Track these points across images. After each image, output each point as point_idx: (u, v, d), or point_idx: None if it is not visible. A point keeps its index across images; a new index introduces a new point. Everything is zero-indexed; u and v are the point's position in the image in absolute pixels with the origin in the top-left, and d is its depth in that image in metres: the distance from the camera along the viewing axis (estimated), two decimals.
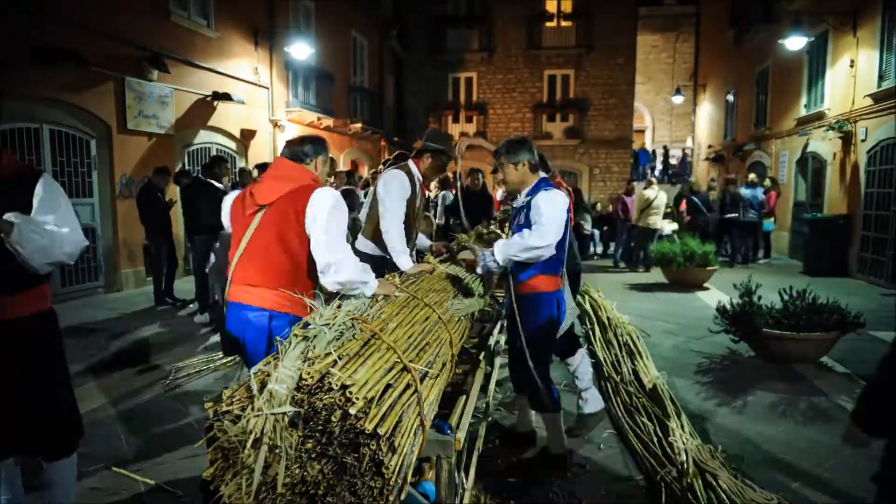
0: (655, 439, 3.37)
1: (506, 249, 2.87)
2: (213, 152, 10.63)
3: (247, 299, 2.36)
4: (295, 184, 2.37)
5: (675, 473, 2.95)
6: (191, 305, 7.15)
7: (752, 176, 12.25)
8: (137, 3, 8.56)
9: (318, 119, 13.82)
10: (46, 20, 7.11)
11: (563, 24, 19.26)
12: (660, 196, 10.87)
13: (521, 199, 3.08)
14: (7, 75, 6.70)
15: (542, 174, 3.15)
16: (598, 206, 14.47)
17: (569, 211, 3.01)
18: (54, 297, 7.60)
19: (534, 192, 2.98)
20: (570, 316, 3.24)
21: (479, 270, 2.97)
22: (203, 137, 10.34)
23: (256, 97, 11.75)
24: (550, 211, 2.82)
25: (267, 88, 12.09)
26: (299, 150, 2.51)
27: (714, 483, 2.91)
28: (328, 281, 2.29)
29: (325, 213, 2.29)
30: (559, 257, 3.02)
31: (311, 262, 2.34)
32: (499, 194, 8.82)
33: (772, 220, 12.22)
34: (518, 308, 3.00)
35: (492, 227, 4.81)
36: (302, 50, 11.78)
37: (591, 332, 5.62)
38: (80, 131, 7.96)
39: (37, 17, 7.00)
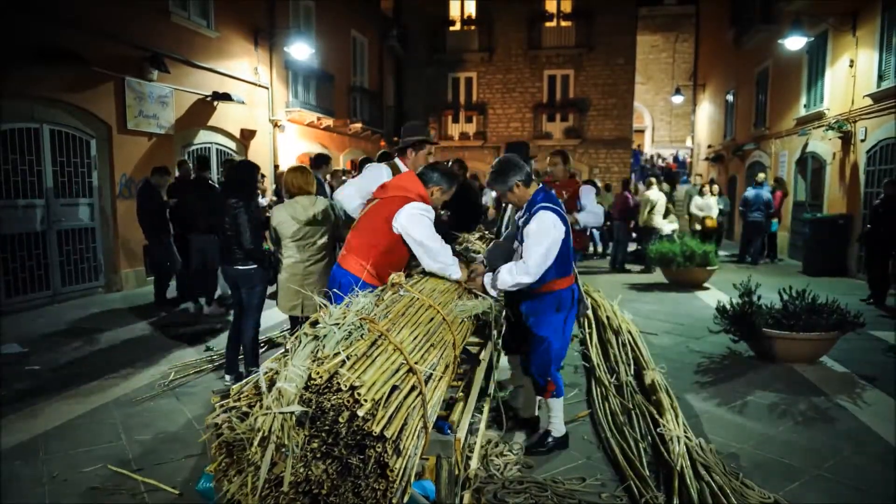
0: (645, 457, 3.30)
1: (498, 284, 3.09)
2: (214, 152, 10.63)
3: (342, 261, 3.14)
4: (401, 192, 3.04)
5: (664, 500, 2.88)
6: (191, 303, 7.12)
7: (761, 176, 12.26)
8: (137, 3, 8.55)
9: (319, 119, 13.82)
10: (46, 20, 7.11)
11: (563, 24, 19.27)
12: (661, 196, 11.09)
13: (521, 213, 3.31)
14: (7, 75, 6.70)
15: (538, 185, 3.28)
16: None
17: (565, 221, 3.14)
18: (54, 296, 7.66)
19: (529, 207, 3.18)
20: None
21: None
22: (203, 137, 10.33)
23: (256, 97, 11.75)
24: (535, 244, 3.03)
25: (267, 88, 12.08)
26: (430, 172, 3.19)
27: (706, 475, 2.91)
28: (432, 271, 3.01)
29: (413, 226, 2.94)
30: (568, 261, 3.25)
31: (388, 252, 3.01)
32: (486, 199, 8.70)
33: (777, 220, 12.25)
34: (538, 305, 3.27)
35: (476, 239, 4.63)
36: (302, 50, 11.78)
37: (588, 336, 5.61)
38: (80, 131, 7.96)
39: (37, 17, 7.00)
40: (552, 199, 3.20)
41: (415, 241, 2.97)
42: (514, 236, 3.47)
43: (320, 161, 7.45)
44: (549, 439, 3.47)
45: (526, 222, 3.16)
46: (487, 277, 3.14)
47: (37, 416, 3.94)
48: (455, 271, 3.03)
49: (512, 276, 3.05)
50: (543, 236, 3.03)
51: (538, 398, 3.64)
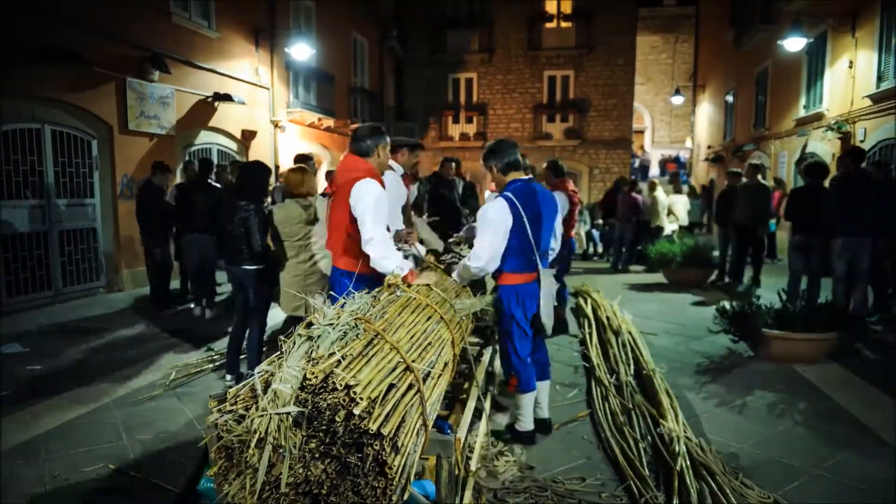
0: (645, 457, 3.31)
1: (457, 271, 3.31)
2: (214, 153, 10.64)
3: (334, 261, 3.26)
4: (350, 175, 3.05)
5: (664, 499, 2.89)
6: (198, 306, 7.13)
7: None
8: (138, 3, 8.57)
9: (319, 120, 13.82)
10: (47, 20, 7.12)
11: (563, 24, 19.28)
12: (666, 197, 11.53)
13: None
14: (7, 75, 6.71)
15: (521, 176, 3.35)
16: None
17: (520, 214, 3.18)
18: (55, 296, 7.65)
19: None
20: (545, 306, 3.42)
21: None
22: (204, 138, 10.34)
23: (257, 98, 11.76)
24: (479, 232, 3.22)
25: (268, 89, 12.10)
26: (363, 145, 3.13)
27: (706, 474, 2.92)
28: (368, 251, 2.94)
29: (363, 199, 2.94)
30: (525, 256, 3.28)
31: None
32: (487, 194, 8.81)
33: (776, 220, 12.26)
34: (498, 296, 3.44)
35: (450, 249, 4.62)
36: (302, 51, 11.79)
37: (587, 337, 5.62)
38: (81, 132, 7.97)
39: (37, 17, 7.01)
40: (525, 191, 3.25)
41: (359, 217, 2.95)
42: None
43: (305, 160, 7.36)
44: (510, 434, 3.54)
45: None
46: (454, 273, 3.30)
47: (37, 416, 3.95)
48: (389, 265, 2.88)
49: (462, 266, 3.23)
50: (485, 221, 3.18)
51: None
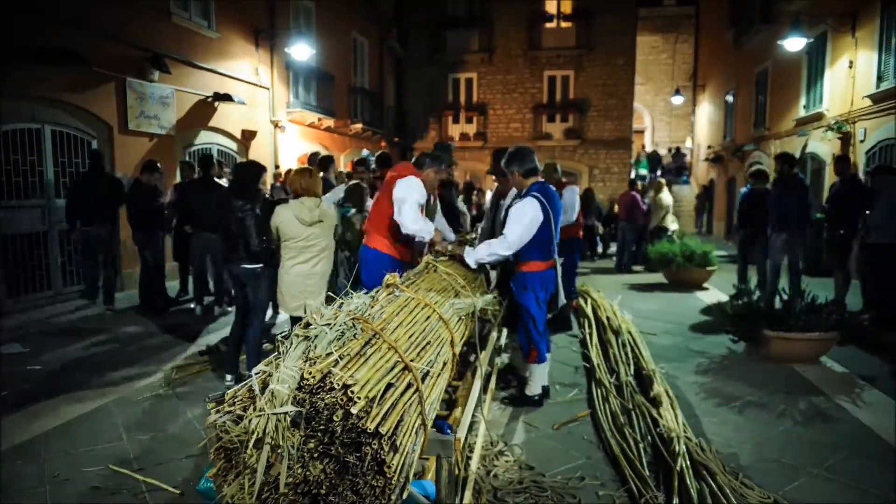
0: (645, 457, 3.31)
1: (476, 254, 3.75)
2: (215, 153, 10.63)
3: (367, 241, 4.16)
4: (397, 173, 3.99)
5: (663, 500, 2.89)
6: (191, 304, 7.13)
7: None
8: (138, 3, 8.57)
9: (319, 120, 13.82)
10: (47, 20, 7.12)
11: (563, 24, 19.29)
12: (671, 198, 11.66)
13: (509, 199, 4.22)
14: (8, 76, 6.71)
15: (538, 179, 3.87)
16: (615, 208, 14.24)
17: (547, 211, 3.74)
18: (55, 296, 7.61)
19: (522, 197, 3.80)
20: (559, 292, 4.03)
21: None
22: (204, 138, 10.34)
23: (257, 98, 11.76)
24: (515, 223, 3.68)
25: (267, 89, 12.09)
26: (420, 158, 4.18)
27: (706, 474, 2.91)
28: (405, 231, 3.87)
29: (399, 191, 3.84)
30: (547, 246, 3.85)
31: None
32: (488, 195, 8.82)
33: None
34: (518, 280, 3.93)
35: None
36: (302, 51, 11.79)
37: (587, 337, 5.62)
38: (81, 132, 7.96)
39: (37, 17, 7.01)
40: (544, 192, 3.78)
41: (397, 202, 3.79)
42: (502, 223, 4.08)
43: (327, 162, 7.47)
44: (520, 399, 4.11)
45: (511, 206, 3.85)
46: (469, 251, 3.75)
47: (37, 415, 3.95)
48: (424, 236, 3.84)
49: (490, 247, 3.71)
50: (522, 215, 3.67)
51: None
